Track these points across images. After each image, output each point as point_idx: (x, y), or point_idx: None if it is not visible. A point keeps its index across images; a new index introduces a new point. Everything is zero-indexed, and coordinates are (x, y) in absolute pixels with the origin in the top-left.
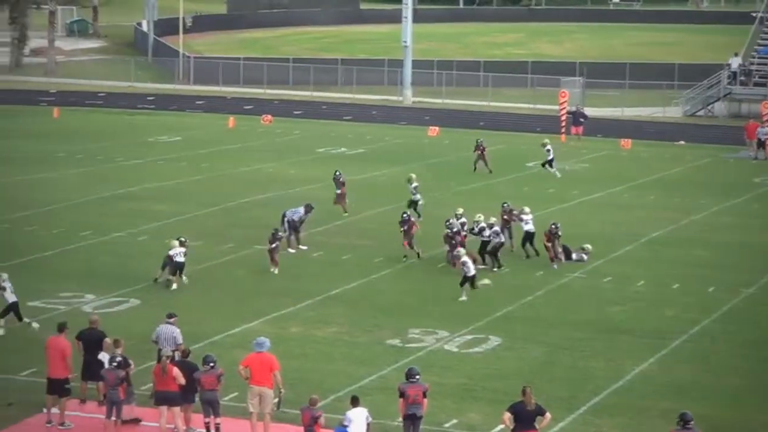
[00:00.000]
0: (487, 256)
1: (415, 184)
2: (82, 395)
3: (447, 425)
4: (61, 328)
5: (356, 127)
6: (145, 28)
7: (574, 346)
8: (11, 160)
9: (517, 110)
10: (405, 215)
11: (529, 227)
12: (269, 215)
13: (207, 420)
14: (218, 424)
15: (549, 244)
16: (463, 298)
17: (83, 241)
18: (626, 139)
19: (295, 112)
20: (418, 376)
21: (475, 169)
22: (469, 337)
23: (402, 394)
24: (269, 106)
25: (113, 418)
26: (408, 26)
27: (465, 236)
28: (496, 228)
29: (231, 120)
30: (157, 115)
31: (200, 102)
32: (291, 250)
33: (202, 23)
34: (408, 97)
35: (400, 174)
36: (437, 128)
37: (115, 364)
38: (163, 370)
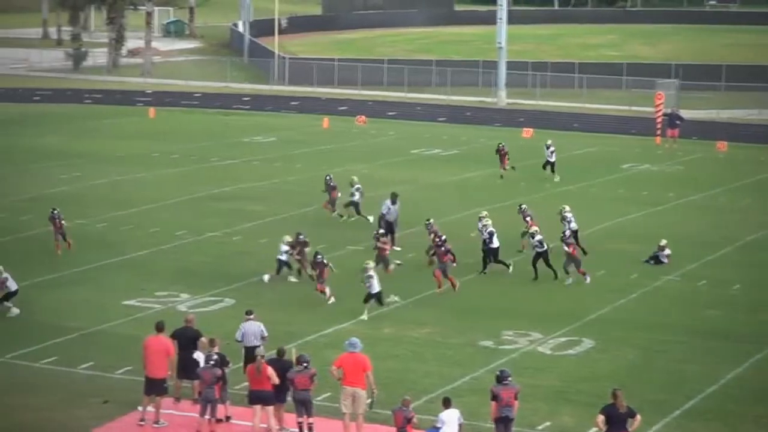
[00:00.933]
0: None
1: (357, 186)
2: (177, 393)
3: (539, 427)
4: (160, 327)
5: (450, 128)
6: (240, 29)
7: (669, 350)
8: (109, 159)
9: (611, 112)
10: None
11: (573, 225)
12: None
13: (300, 420)
14: (311, 424)
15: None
16: (364, 317)
17: (178, 241)
18: (722, 142)
19: (389, 113)
20: (510, 378)
21: (506, 170)
22: (563, 339)
23: (495, 397)
24: (363, 107)
25: (207, 417)
26: (503, 27)
27: (446, 254)
28: (539, 237)
29: (325, 121)
30: (252, 116)
31: (295, 103)
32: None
33: (298, 24)
34: (502, 98)
35: (495, 176)
36: (531, 130)
37: (212, 362)
38: (257, 369)
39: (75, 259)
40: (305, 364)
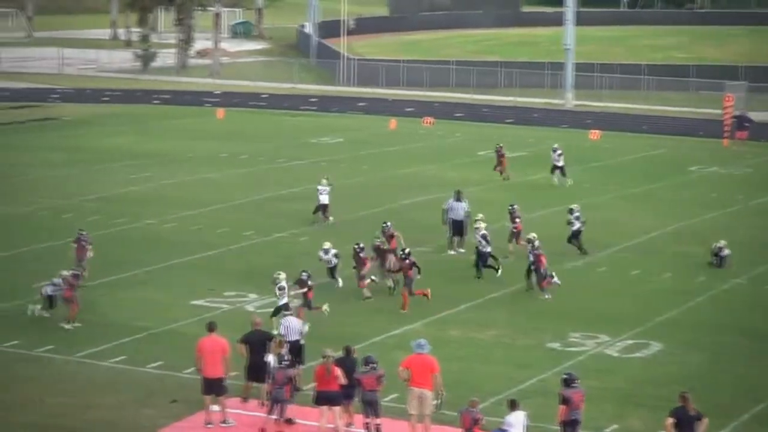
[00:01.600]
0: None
1: (325, 187)
2: (245, 393)
3: (607, 430)
4: (212, 327)
5: (517, 129)
6: (308, 30)
7: (737, 353)
8: (177, 160)
9: (678, 114)
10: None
11: (577, 225)
12: (428, 217)
13: (367, 420)
14: (378, 424)
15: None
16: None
17: (246, 241)
18: None
19: (456, 115)
20: (578, 381)
21: (502, 175)
22: (630, 341)
23: (565, 401)
24: (430, 108)
25: (275, 416)
26: (570, 29)
27: (410, 267)
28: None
29: (392, 122)
30: (319, 117)
31: (362, 104)
32: (451, 252)
33: (365, 25)
34: (569, 100)
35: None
36: (598, 132)
37: (285, 363)
38: (327, 370)
39: (144, 259)
40: (373, 365)
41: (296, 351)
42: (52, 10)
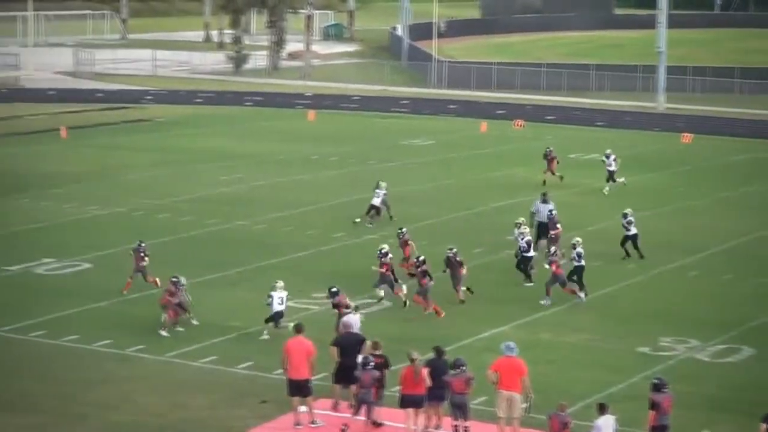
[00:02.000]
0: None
1: (382, 190)
2: (335, 396)
3: None
4: (299, 328)
5: (609, 132)
6: (399, 32)
7: None
8: (269, 161)
9: None
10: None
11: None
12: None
13: (456, 423)
14: (467, 427)
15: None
16: (265, 336)
17: (336, 243)
18: None
19: (548, 117)
20: (668, 386)
21: (544, 182)
22: (722, 346)
23: (655, 406)
24: (521, 111)
25: (360, 417)
26: (662, 32)
27: (423, 276)
28: (579, 250)
29: (483, 124)
30: (410, 119)
31: (453, 106)
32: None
33: (456, 28)
34: (661, 103)
35: (653, 181)
36: (690, 135)
37: (370, 365)
38: (416, 373)
39: (235, 259)
40: (462, 368)
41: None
42: (146, 13)
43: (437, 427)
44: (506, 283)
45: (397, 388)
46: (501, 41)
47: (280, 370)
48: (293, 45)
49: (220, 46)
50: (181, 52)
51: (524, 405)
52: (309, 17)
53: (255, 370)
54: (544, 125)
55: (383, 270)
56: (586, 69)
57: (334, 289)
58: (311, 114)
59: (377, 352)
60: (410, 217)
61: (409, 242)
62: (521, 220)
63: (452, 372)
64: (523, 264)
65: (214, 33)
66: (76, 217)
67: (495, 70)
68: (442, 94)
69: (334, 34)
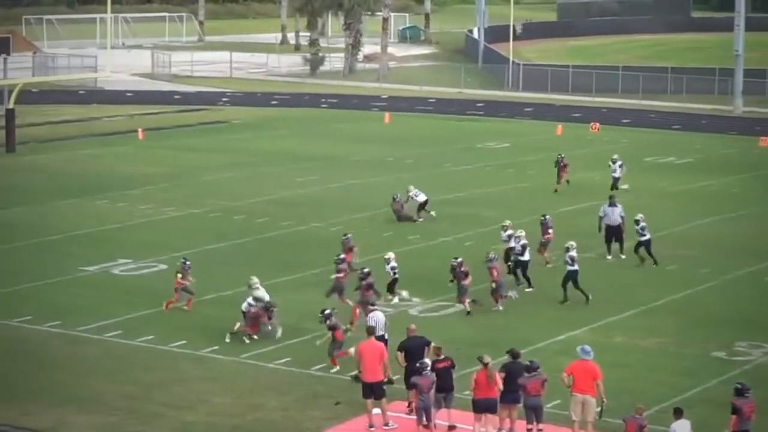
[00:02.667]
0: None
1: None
2: (411, 399)
3: None
4: (371, 331)
5: (685, 136)
6: (475, 35)
7: None
8: (344, 163)
9: None
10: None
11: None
12: (592, 223)
13: (530, 426)
14: (540, 430)
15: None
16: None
17: (411, 245)
18: None
19: (623, 121)
20: (750, 391)
21: (559, 184)
22: None
23: (736, 411)
24: (597, 114)
25: (424, 423)
26: (740, 34)
27: (367, 289)
28: (572, 254)
29: (558, 127)
30: (485, 122)
31: (528, 109)
32: (609, 258)
33: (532, 30)
34: (738, 106)
35: (729, 184)
36: None
37: (427, 371)
38: (489, 377)
39: (311, 261)
40: (537, 370)
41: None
42: (223, 15)
43: (510, 430)
44: (583, 285)
45: (468, 392)
46: (577, 44)
47: (354, 372)
48: (369, 47)
49: (297, 48)
50: (258, 54)
51: (598, 409)
52: (385, 19)
53: (329, 371)
54: (619, 128)
55: (341, 276)
56: (662, 72)
57: (327, 311)
58: (387, 116)
59: (441, 357)
60: (484, 220)
61: (354, 249)
62: (507, 222)
63: (527, 374)
64: (521, 268)
65: (291, 35)
66: (152, 218)
67: (571, 72)
68: (518, 97)
69: (410, 36)
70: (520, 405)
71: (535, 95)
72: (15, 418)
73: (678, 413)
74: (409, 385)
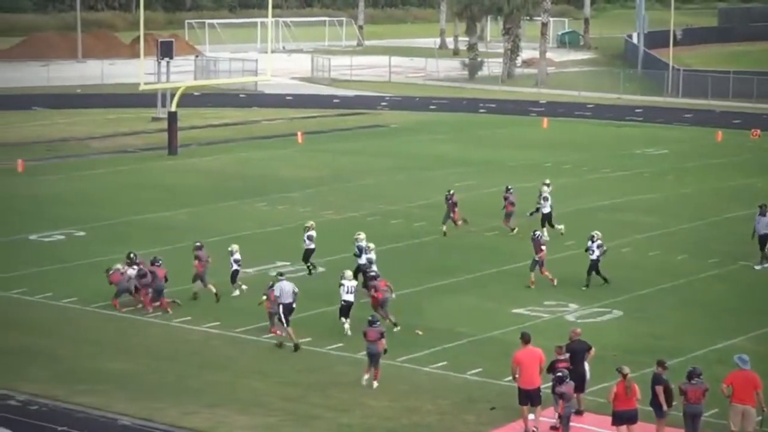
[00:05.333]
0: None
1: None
2: (580, 406)
3: None
4: (527, 339)
5: None
6: (635, 40)
7: None
8: (501, 168)
9: None
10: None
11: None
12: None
13: None
14: None
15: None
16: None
17: (567, 251)
18: None
19: None
20: (701, 376)
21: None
22: None
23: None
24: (758, 121)
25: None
26: None
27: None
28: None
29: (718, 134)
30: (644, 127)
31: (688, 115)
32: (757, 267)
33: (693, 36)
34: None
35: None
36: None
37: (568, 379)
38: (627, 388)
39: (467, 266)
40: (699, 377)
41: (288, 312)
42: (383, 20)
43: None
44: (740, 294)
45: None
46: (738, 49)
47: (510, 377)
48: (528, 52)
49: (455, 53)
50: (417, 59)
51: (758, 418)
52: (544, 24)
53: (484, 376)
54: None
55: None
56: None
57: (372, 318)
58: (545, 121)
59: (561, 357)
60: (642, 227)
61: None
62: (362, 235)
63: (689, 381)
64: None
65: (450, 40)
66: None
67: (732, 78)
68: (677, 103)
69: (568, 41)
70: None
71: (694, 101)
72: (176, 417)
73: None
74: (556, 395)
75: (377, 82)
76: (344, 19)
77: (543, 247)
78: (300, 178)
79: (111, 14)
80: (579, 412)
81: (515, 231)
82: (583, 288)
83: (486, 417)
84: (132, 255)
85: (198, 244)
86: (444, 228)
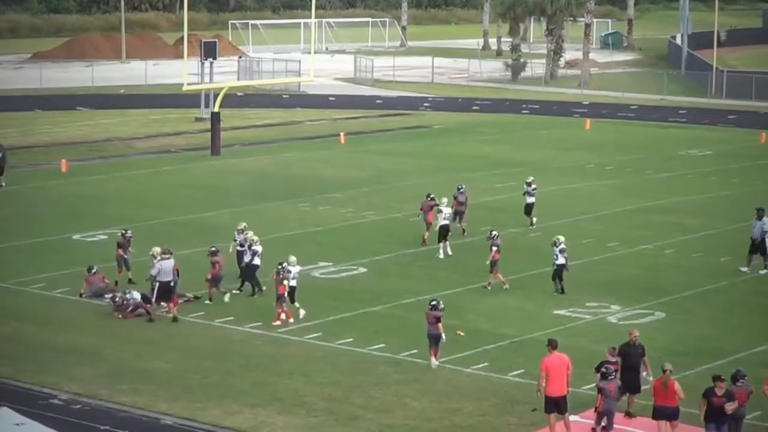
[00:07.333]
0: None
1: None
2: (629, 408)
3: None
4: (555, 344)
5: None
6: (678, 41)
7: None
8: (544, 169)
9: None
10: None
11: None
12: None
13: None
14: None
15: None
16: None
17: (610, 252)
18: None
19: None
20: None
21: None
22: None
23: (600, 391)
24: None
25: (602, 426)
26: None
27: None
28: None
29: (762, 135)
30: (688, 129)
31: (732, 116)
32: (762, 272)
33: (737, 37)
34: None
35: None
36: None
37: (612, 375)
38: (663, 384)
39: (509, 266)
40: (744, 379)
41: (166, 291)
42: (426, 20)
43: None
44: None
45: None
46: None
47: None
48: (571, 53)
49: (498, 54)
50: (460, 60)
51: None
52: (588, 25)
53: (526, 377)
54: None
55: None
56: None
57: (434, 302)
58: (588, 123)
59: (612, 359)
60: (686, 228)
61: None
62: (242, 225)
63: (734, 384)
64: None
65: (493, 41)
66: (353, 221)
67: None
68: (721, 104)
69: (612, 42)
70: None
71: (738, 103)
72: (219, 417)
73: None
74: (598, 389)
75: (420, 83)
76: (387, 19)
77: (494, 248)
78: (342, 178)
79: (155, 15)
80: (629, 414)
81: (465, 234)
82: (554, 293)
83: (528, 418)
84: (126, 232)
85: (213, 249)
86: (463, 225)
